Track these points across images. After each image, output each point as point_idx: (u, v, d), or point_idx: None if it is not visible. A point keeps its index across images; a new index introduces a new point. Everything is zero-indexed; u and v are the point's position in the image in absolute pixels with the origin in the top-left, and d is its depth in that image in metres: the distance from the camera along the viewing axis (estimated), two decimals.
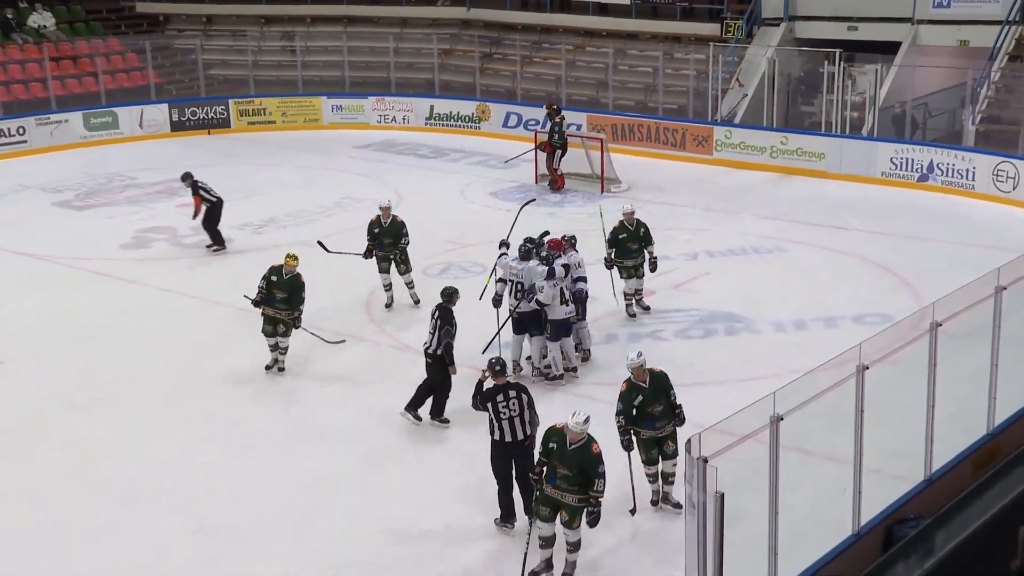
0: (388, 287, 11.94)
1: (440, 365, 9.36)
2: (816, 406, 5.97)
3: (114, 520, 7.94)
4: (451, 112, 22.79)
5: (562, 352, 10.11)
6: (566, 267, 10.21)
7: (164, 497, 8.31)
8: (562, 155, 17.93)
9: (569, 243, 10.75)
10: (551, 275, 10.04)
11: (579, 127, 20.65)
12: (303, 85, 23.62)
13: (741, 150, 19.38)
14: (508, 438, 7.62)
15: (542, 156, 18.13)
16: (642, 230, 11.45)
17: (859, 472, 6.37)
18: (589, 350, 10.68)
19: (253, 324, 12.01)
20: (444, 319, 9.28)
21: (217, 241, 14.45)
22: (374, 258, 11.88)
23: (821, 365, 6.40)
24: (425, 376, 9.45)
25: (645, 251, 11.42)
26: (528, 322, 10.09)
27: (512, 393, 7.70)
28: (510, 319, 10.30)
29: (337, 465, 8.76)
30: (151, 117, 22.51)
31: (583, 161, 18.44)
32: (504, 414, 7.59)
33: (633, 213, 11.39)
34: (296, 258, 10.10)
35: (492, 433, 7.65)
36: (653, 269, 11.50)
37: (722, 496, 5.06)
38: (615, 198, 17.43)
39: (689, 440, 5.24)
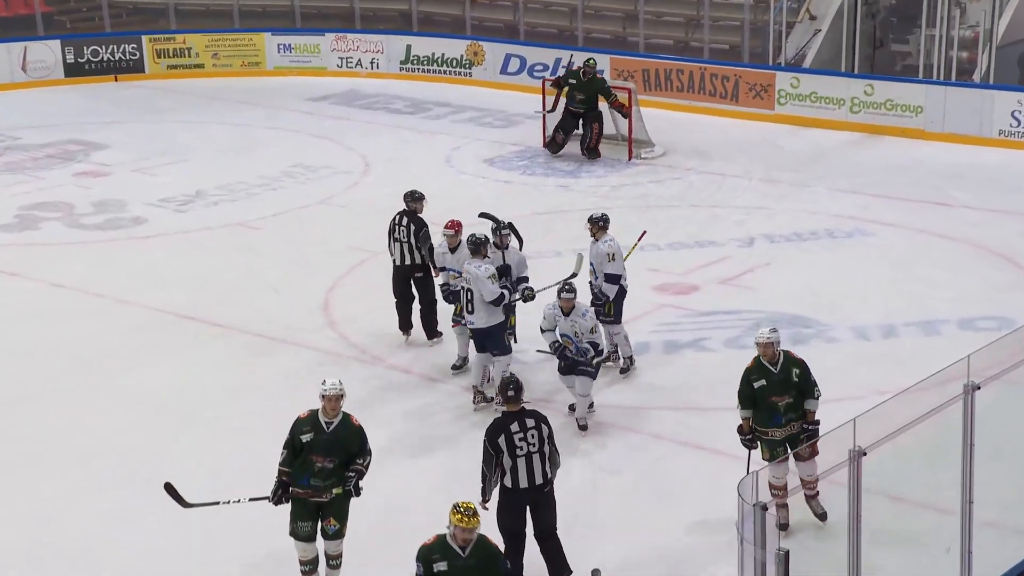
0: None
1: (425, 277, 11.20)
2: (910, 437, 5.93)
3: None
4: (433, 54, 22.78)
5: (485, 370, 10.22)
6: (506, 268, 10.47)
7: (47, 562, 8.26)
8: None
9: (598, 225, 10.64)
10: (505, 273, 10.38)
11: (601, 74, 20.61)
12: (240, 18, 23.63)
13: (812, 103, 19.36)
14: (524, 483, 7.49)
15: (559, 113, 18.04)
16: (795, 372, 8.12)
17: (968, 525, 6.34)
18: (631, 358, 10.81)
19: (171, 331, 12.01)
20: (418, 224, 10.96)
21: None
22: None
23: (917, 384, 6.37)
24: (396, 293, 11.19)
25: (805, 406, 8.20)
26: (485, 338, 10.13)
27: (530, 423, 7.57)
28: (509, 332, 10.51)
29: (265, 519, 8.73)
30: (38, 58, 22.49)
31: (605, 118, 18.40)
32: (520, 450, 7.47)
33: (773, 344, 8.15)
34: (339, 397, 7.56)
35: (503, 478, 7.51)
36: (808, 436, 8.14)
37: (786, 555, 5.04)
38: (647, 171, 17.41)
39: (741, 482, 5.21)
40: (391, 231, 11.53)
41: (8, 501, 8.89)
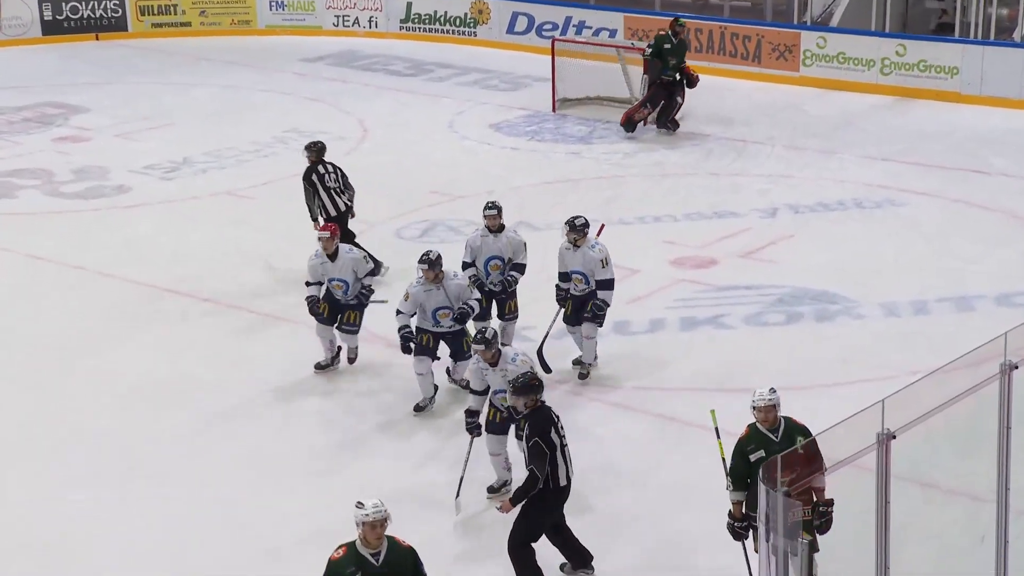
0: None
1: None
2: (943, 420, 5.92)
3: None
4: (436, 12, 22.73)
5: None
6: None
7: (16, 558, 8.24)
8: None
9: (581, 232, 10.18)
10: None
11: (612, 34, 20.56)
12: None
13: (840, 65, 19.30)
14: (565, 479, 7.61)
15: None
16: (800, 441, 7.10)
17: (1004, 514, 6.33)
18: (591, 364, 10.49)
19: (156, 307, 11.99)
20: (339, 169, 12.19)
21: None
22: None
23: (950, 363, 6.35)
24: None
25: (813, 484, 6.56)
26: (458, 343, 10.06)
27: (558, 416, 7.78)
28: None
29: (250, 510, 8.75)
30: (13, 14, 22.50)
31: (618, 80, 18.37)
32: (564, 441, 7.61)
33: (775, 406, 7.29)
34: (383, 522, 6.29)
35: (549, 480, 7.49)
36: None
37: (810, 543, 5.03)
38: (663, 137, 17.36)
39: (764, 465, 5.21)
40: (317, 185, 12.26)
41: None
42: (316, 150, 12.35)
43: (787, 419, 7.26)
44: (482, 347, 8.47)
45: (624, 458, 9.21)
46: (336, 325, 10.40)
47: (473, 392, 8.74)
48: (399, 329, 9.74)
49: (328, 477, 8.99)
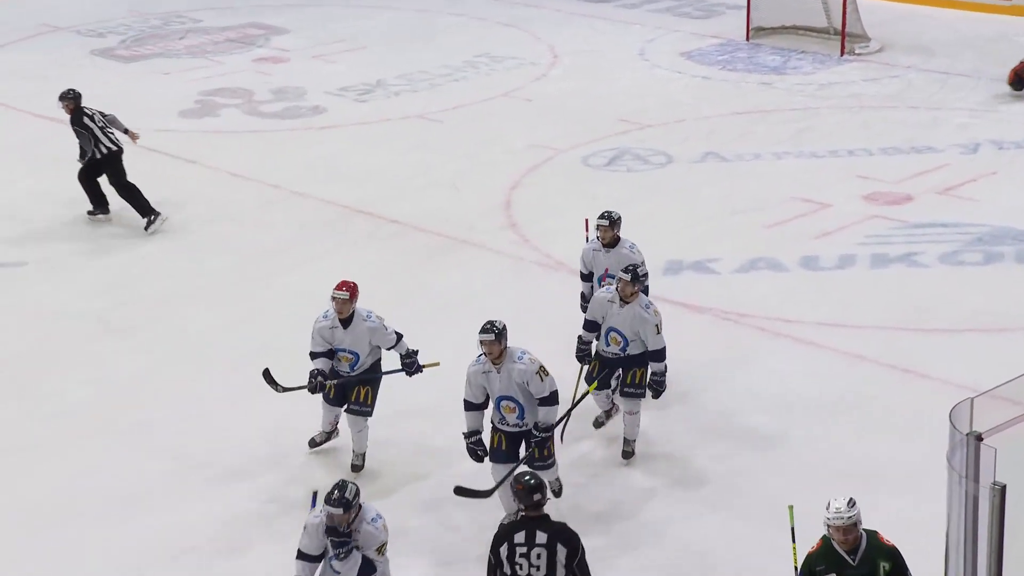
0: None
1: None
2: None
3: (154, 488, 8.23)
4: None
5: None
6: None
7: (216, 459, 8.54)
8: None
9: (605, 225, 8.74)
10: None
11: None
12: None
13: None
14: None
15: None
16: (884, 566, 5.92)
17: None
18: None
19: (345, 225, 12.19)
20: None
21: (98, 203, 12.35)
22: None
23: None
24: None
25: None
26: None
27: (541, 538, 5.92)
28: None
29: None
30: None
31: (815, 9, 17.80)
32: (521, 569, 5.92)
33: (856, 524, 5.88)
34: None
35: None
36: None
37: (1003, 489, 4.82)
38: (860, 68, 16.79)
39: (955, 407, 5.00)
40: (92, 127, 11.94)
41: (173, 398, 9.21)
42: (73, 97, 12.13)
43: (871, 536, 5.89)
44: (491, 337, 7.18)
45: (808, 394, 8.99)
46: (345, 407, 8.18)
47: (469, 407, 7.38)
48: (467, 436, 7.55)
49: None
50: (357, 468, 8.08)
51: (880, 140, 13.96)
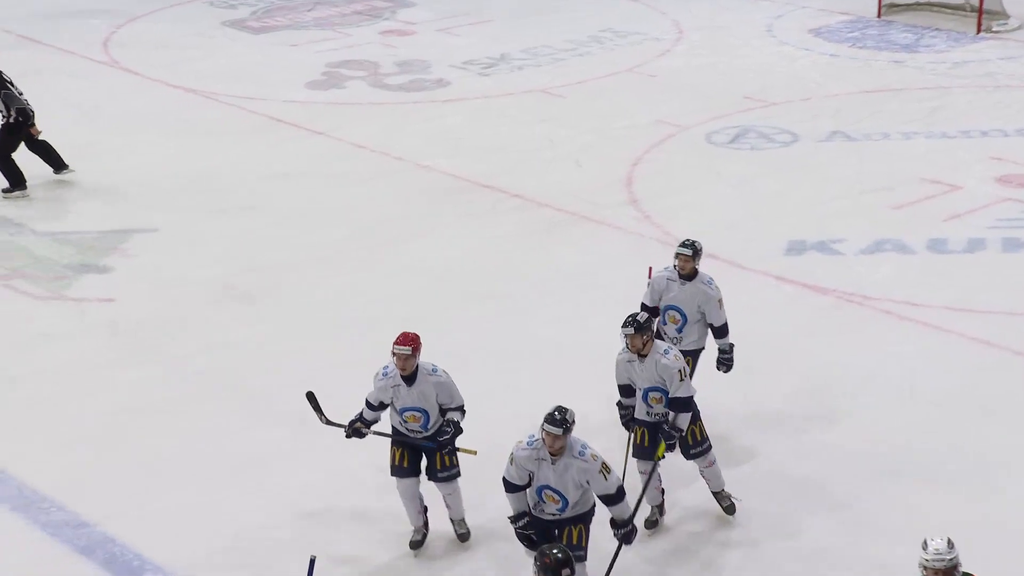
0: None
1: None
2: None
3: (274, 453, 8.33)
4: None
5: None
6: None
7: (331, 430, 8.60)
8: None
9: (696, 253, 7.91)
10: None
11: None
12: None
13: None
14: None
15: None
16: None
17: None
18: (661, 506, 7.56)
19: (467, 198, 12.22)
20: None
21: (14, 181, 12.33)
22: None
23: None
24: None
25: None
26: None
27: None
28: None
29: None
30: None
31: None
32: None
33: (955, 567, 5.36)
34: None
35: None
36: None
37: None
38: (996, 46, 16.28)
39: None
40: (10, 87, 12.14)
41: (294, 364, 9.31)
42: None
43: None
44: (559, 431, 6.21)
45: (932, 380, 8.79)
46: (429, 478, 7.26)
47: (511, 487, 6.48)
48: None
49: None
50: (464, 537, 7.32)
51: (1015, 121, 13.55)
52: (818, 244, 10.89)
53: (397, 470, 7.21)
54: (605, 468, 6.32)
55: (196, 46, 17.25)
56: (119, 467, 8.08)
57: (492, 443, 7.24)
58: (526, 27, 17.81)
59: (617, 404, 7.36)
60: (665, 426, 7.08)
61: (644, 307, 7.95)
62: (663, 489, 7.38)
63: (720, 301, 7.84)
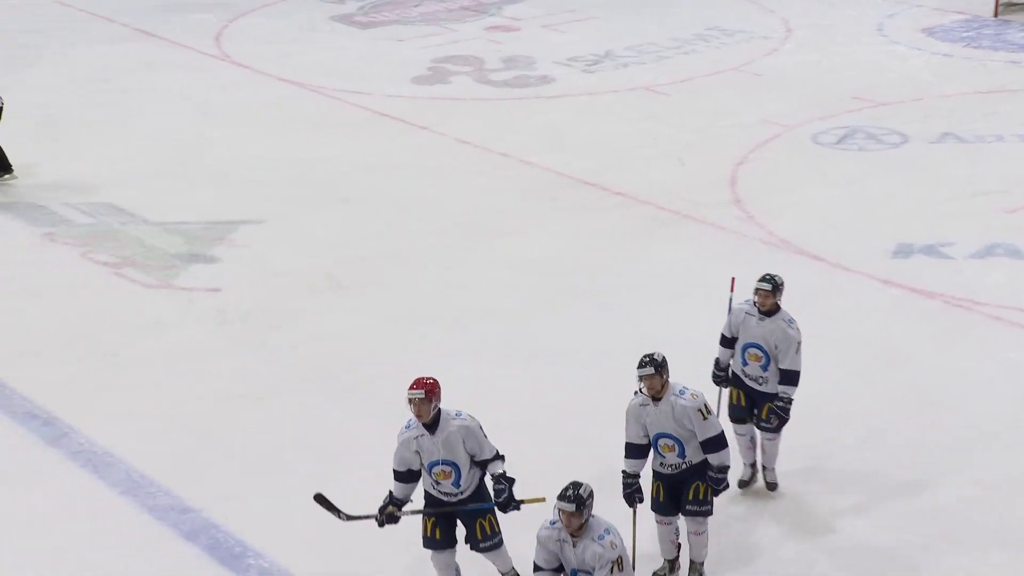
0: None
1: None
2: None
3: (370, 444, 8.38)
4: None
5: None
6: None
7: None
8: None
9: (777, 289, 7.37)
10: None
11: None
12: None
13: None
14: None
15: None
16: None
17: None
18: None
19: (569, 195, 12.20)
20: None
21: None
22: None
23: None
24: None
25: None
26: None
27: None
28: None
29: None
30: None
31: None
32: None
33: None
34: None
35: None
36: None
37: None
38: None
39: None
40: None
41: (393, 356, 9.37)
42: None
43: None
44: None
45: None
46: (471, 547, 6.66)
47: (536, 568, 6.12)
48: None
49: None
50: None
51: None
52: (926, 247, 10.70)
53: (430, 542, 6.61)
54: (619, 565, 5.83)
55: (304, 40, 17.46)
56: (222, 453, 8.23)
57: (584, 439, 7.23)
58: (631, 24, 17.73)
59: (622, 473, 6.71)
60: (711, 472, 6.65)
61: (723, 338, 7.49)
62: (679, 544, 6.97)
63: (799, 344, 7.26)
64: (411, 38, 17.58)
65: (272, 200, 12.19)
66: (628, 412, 6.67)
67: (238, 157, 13.29)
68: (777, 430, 7.42)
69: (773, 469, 7.59)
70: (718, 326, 7.49)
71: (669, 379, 6.58)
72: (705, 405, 6.56)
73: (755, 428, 7.51)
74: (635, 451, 6.67)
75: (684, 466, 6.63)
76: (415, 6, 19.27)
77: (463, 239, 11.32)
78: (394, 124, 14.23)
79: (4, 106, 12.37)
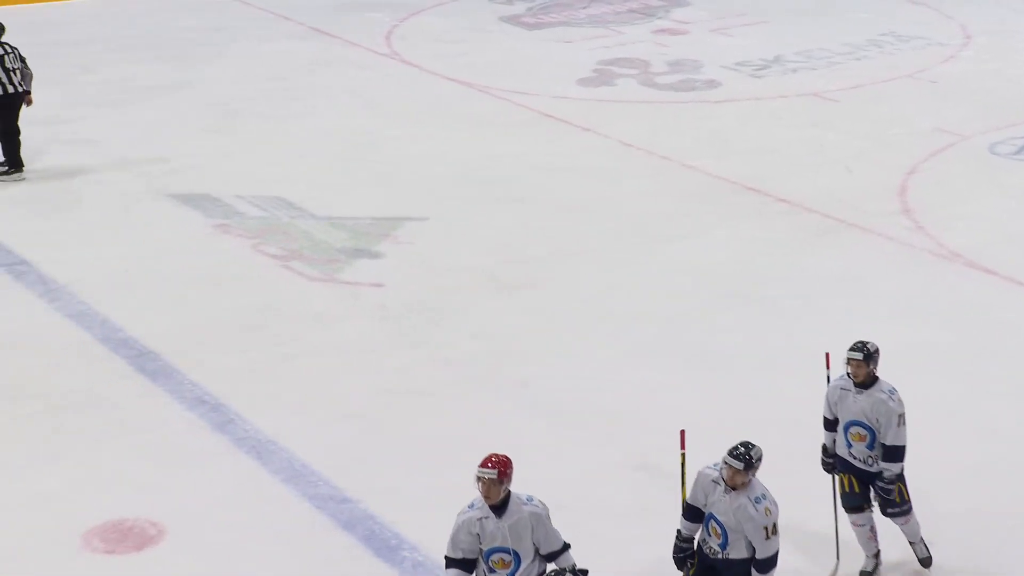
0: None
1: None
2: None
3: (529, 444, 8.41)
4: None
5: None
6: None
7: (591, 421, 8.67)
8: None
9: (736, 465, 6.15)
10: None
11: None
12: None
13: None
14: None
15: None
16: None
17: None
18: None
19: (733, 200, 12.07)
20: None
21: (11, 161, 12.49)
22: None
23: None
24: None
25: None
26: None
27: None
28: None
29: None
30: None
31: None
32: None
33: None
34: None
35: None
36: None
37: None
38: None
39: None
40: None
41: (554, 357, 9.41)
42: None
43: None
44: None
45: None
46: None
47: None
48: None
49: None
50: None
51: None
52: None
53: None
54: (772, 528, 5.97)
55: (473, 40, 17.62)
56: (381, 447, 8.37)
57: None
58: (803, 29, 17.43)
59: (676, 533, 6.36)
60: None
61: (826, 421, 6.90)
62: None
63: (902, 417, 6.63)
64: (578, 40, 17.59)
65: (437, 198, 12.33)
66: (697, 481, 6.23)
67: (405, 155, 13.48)
68: (905, 512, 6.78)
69: (921, 541, 6.94)
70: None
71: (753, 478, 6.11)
72: (772, 525, 6.02)
73: (872, 515, 6.86)
74: (693, 514, 6.28)
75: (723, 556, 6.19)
76: (583, 8, 19.27)
77: (625, 242, 11.30)
78: (559, 125, 14.27)
79: (33, 74, 12.40)
